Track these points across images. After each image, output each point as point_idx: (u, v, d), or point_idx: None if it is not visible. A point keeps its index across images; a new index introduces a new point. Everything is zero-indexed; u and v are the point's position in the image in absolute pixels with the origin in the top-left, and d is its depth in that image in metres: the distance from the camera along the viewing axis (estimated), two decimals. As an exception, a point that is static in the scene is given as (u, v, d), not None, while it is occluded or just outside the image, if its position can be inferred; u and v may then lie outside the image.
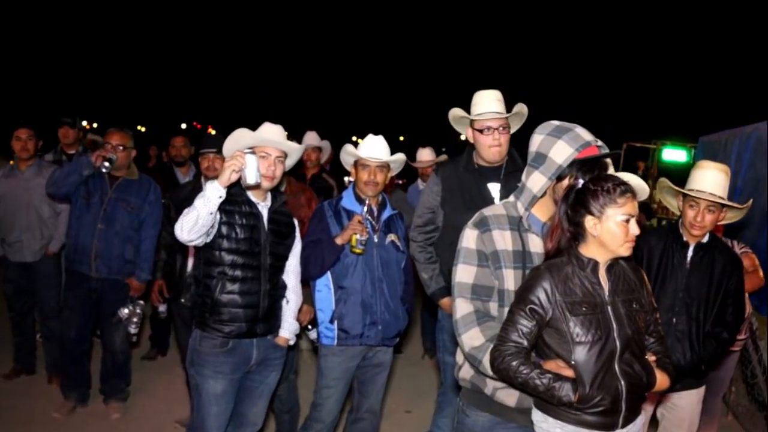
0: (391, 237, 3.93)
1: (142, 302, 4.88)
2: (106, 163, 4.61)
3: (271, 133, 3.45)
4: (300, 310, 3.83)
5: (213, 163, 4.55)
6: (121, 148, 4.76)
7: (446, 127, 4.16)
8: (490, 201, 3.85)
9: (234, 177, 3.08)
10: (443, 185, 4.01)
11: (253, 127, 3.50)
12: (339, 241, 3.74)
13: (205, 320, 3.35)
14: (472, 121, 3.91)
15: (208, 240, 3.26)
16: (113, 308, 4.78)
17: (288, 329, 3.61)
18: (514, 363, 2.32)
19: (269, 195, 3.52)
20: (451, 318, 3.97)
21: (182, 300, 4.59)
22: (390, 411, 5.26)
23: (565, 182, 2.51)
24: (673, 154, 12.90)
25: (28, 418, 4.90)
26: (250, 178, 3.11)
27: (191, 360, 3.41)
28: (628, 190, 2.36)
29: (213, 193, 3.03)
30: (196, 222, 3.05)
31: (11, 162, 5.64)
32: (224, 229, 3.30)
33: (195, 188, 4.68)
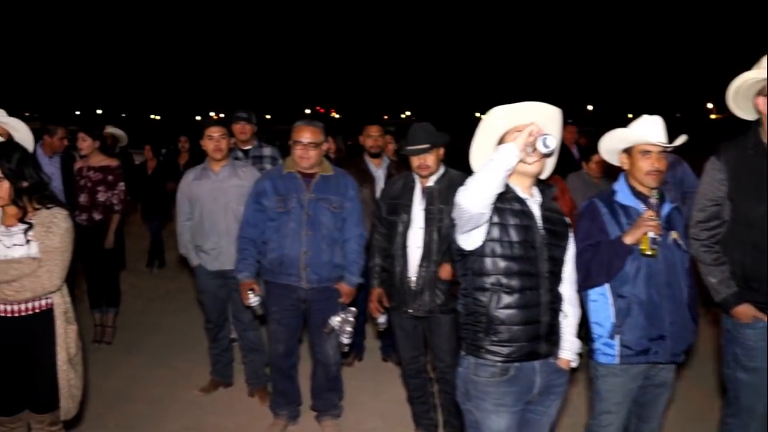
0: (674, 235, 3.32)
1: (354, 309, 4.43)
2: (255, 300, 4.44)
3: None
4: None
5: (425, 160, 4.04)
6: (312, 145, 4.31)
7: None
8: None
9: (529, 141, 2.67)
10: (729, 173, 3.38)
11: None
12: (629, 240, 3.17)
13: (479, 342, 2.85)
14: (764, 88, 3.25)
15: (479, 245, 2.79)
16: (324, 317, 4.37)
17: (570, 349, 3.05)
18: None
19: (536, 189, 2.99)
20: (745, 328, 3.45)
21: (409, 310, 4.13)
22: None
23: None
24: None
25: (237, 438, 4.58)
26: (550, 142, 2.68)
27: (466, 392, 2.92)
28: None
29: (509, 154, 2.60)
30: (489, 187, 2.59)
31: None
32: (496, 232, 2.80)
33: (407, 184, 4.22)
